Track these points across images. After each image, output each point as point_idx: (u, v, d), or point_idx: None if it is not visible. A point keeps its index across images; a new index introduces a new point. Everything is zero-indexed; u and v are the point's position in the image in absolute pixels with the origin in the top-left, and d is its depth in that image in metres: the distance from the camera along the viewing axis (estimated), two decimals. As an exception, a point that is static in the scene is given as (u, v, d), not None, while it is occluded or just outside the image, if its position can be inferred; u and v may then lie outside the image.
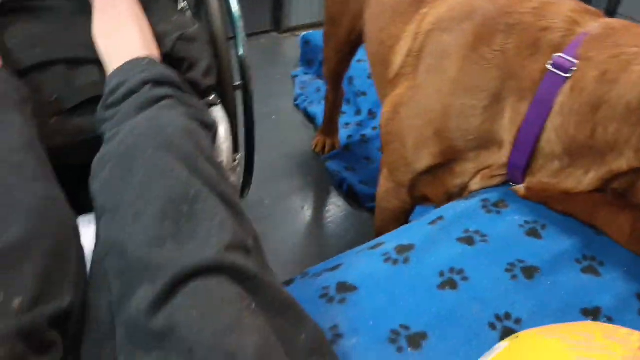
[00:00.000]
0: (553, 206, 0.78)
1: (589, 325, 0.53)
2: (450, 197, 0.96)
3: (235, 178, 0.76)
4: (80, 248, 0.55)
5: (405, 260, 0.66)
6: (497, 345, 0.50)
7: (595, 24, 0.74)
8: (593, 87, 0.67)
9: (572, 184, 0.73)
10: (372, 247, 0.71)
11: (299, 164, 1.78)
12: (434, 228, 0.72)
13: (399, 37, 1.04)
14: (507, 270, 0.66)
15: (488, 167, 0.87)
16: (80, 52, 0.80)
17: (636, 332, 0.41)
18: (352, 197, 1.63)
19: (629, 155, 0.66)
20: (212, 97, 0.86)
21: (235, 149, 0.87)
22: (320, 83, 2.09)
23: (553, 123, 0.72)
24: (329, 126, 1.80)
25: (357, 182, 1.64)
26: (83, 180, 0.62)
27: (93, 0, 0.84)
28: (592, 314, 0.61)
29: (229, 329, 0.42)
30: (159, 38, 0.82)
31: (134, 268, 0.48)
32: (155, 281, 0.45)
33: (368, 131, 1.83)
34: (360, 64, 1.96)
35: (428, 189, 0.99)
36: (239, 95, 1.04)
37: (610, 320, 0.61)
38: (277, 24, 2.61)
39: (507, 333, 0.58)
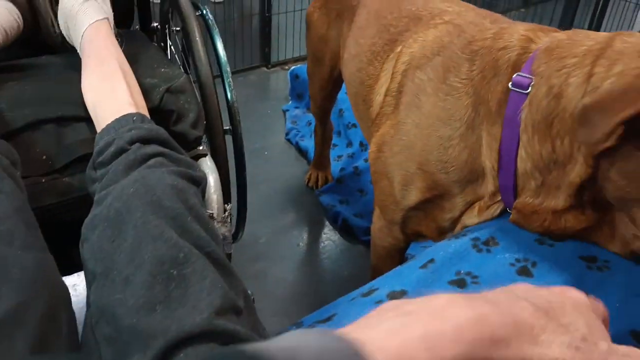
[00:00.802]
0: (548, 228, 0.78)
1: None
2: (443, 232, 0.97)
3: (227, 229, 0.77)
4: (71, 312, 0.55)
5: (398, 307, 0.66)
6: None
7: (547, 38, 0.76)
8: (545, 102, 0.69)
9: (553, 202, 0.74)
10: (365, 294, 0.71)
11: (293, 199, 1.78)
12: (426, 272, 0.72)
13: (377, 76, 1.07)
14: (499, 312, 0.66)
15: (480, 199, 0.88)
16: (70, 110, 0.81)
17: None
18: (346, 230, 1.63)
19: (580, 163, 0.68)
20: (201, 147, 0.87)
21: (227, 199, 0.88)
22: (311, 116, 2.12)
23: (522, 141, 0.74)
24: (321, 160, 1.82)
25: (352, 216, 1.65)
26: (76, 237, 0.63)
27: (82, 56, 0.86)
28: (586, 354, 0.61)
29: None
30: (147, 92, 0.83)
31: (124, 336, 0.48)
32: (146, 351, 0.45)
33: (360, 163, 1.84)
34: (350, 96, 1.99)
35: (420, 226, 1.00)
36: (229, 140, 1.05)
37: (604, 360, 0.61)
38: (266, 59, 2.65)
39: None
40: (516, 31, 0.79)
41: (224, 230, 0.76)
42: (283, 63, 2.68)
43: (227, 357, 0.28)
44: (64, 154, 0.78)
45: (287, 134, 2.11)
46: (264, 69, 2.65)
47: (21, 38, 0.94)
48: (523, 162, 0.75)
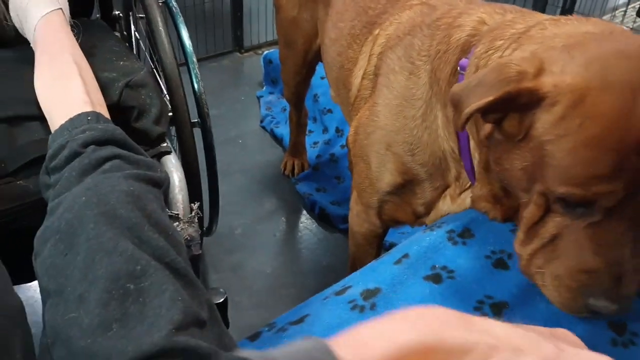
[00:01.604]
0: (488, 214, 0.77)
1: None
2: (419, 216, 0.96)
3: (194, 229, 0.74)
4: (26, 332, 0.52)
5: (372, 307, 0.64)
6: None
7: (498, 18, 0.74)
8: None
9: (478, 188, 0.74)
10: (338, 293, 0.69)
11: (269, 188, 1.75)
12: (400, 267, 0.70)
13: (356, 59, 1.06)
14: (475, 308, 0.64)
15: (449, 186, 0.87)
16: (23, 109, 0.77)
17: None
18: (324, 219, 1.61)
19: (479, 148, 0.69)
20: (165, 144, 0.83)
21: (197, 196, 0.85)
22: (286, 103, 2.07)
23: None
24: (296, 147, 1.79)
25: (329, 204, 1.62)
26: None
27: (35, 52, 0.81)
28: (564, 349, 0.60)
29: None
30: (105, 87, 0.79)
31: (80, 359, 0.45)
32: (101, 375, 0.42)
33: (336, 149, 1.82)
34: (325, 80, 1.95)
35: (396, 211, 0.99)
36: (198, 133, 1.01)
37: (581, 355, 0.60)
38: (239, 43, 2.59)
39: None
40: (477, 12, 0.78)
41: (191, 231, 0.73)
42: (257, 47, 2.62)
43: None
44: (17, 156, 0.73)
45: (261, 121, 2.07)
46: (237, 53, 2.59)
47: (-30, 32, 0.89)
48: (472, 143, 0.74)
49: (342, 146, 1.81)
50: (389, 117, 0.87)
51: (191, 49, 1.06)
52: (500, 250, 0.73)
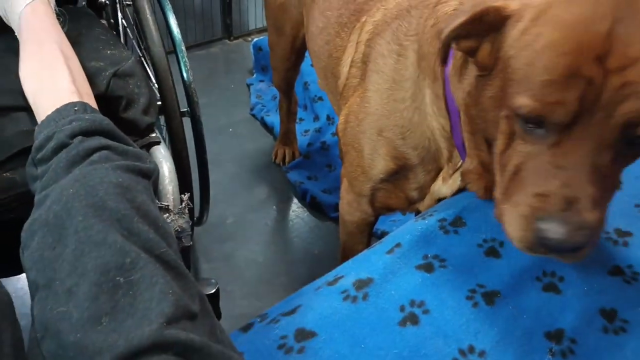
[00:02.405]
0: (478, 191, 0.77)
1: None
2: (412, 202, 0.96)
3: (185, 220, 0.73)
4: (15, 326, 0.51)
5: (365, 297, 0.64)
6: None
7: None
8: (460, 53, 0.68)
9: (468, 162, 0.74)
10: (331, 283, 0.69)
11: (260, 177, 1.74)
12: (393, 257, 0.70)
13: (344, 47, 1.05)
14: (468, 297, 0.64)
15: (442, 168, 0.86)
16: (8, 99, 0.75)
17: None
18: (315, 207, 1.61)
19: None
20: (154, 134, 0.82)
21: (187, 186, 0.84)
22: (276, 90, 2.06)
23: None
24: (287, 135, 1.78)
25: (320, 192, 1.62)
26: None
27: (20, 41, 0.80)
28: (555, 337, 0.60)
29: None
30: (92, 77, 0.78)
31: (69, 352, 0.44)
32: (92, 370, 0.42)
33: (327, 137, 1.81)
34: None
35: (389, 199, 0.99)
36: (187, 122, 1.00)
37: (574, 343, 0.60)
38: (228, 31, 2.56)
39: (472, 366, 0.57)
40: None
41: (181, 222, 0.72)
42: (246, 35, 2.60)
43: None
44: (3, 147, 0.72)
45: (252, 109, 2.05)
46: (227, 41, 2.57)
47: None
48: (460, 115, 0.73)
49: (333, 134, 1.80)
50: (379, 102, 0.87)
51: (179, 36, 1.04)
52: (492, 239, 0.73)
